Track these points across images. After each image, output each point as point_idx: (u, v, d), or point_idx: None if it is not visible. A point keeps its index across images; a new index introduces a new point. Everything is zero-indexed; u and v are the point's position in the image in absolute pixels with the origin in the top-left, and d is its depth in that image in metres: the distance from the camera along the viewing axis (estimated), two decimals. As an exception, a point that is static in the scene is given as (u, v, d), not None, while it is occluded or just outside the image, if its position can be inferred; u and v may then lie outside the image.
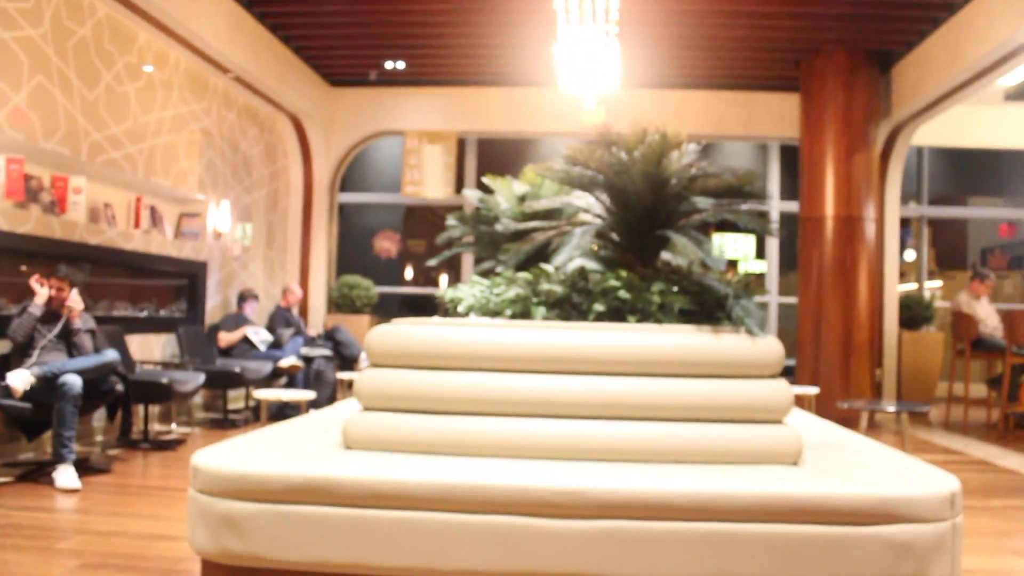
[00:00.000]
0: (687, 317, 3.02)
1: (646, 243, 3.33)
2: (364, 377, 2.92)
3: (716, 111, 10.83)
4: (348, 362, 9.58)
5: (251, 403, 9.12)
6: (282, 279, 10.95)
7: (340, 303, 11.03)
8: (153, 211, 8.04)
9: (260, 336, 8.94)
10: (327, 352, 9.26)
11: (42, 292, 5.73)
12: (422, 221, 13.36)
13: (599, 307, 3.04)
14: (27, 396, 5.35)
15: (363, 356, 9.60)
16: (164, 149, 8.12)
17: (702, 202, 3.29)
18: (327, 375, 9.05)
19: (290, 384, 8.81)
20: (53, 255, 6.39)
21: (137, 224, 7.74)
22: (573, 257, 3.34)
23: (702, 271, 3.34)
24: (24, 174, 6.19)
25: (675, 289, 3.08)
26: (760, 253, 11.21)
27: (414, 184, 11.19)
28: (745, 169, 3.29)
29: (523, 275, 3.34)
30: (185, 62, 8.45)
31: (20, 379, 5.31)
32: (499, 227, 4.19)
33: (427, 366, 2.89)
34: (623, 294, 3.04)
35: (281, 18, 9.09)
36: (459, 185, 11.16)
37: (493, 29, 9.06)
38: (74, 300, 5.81)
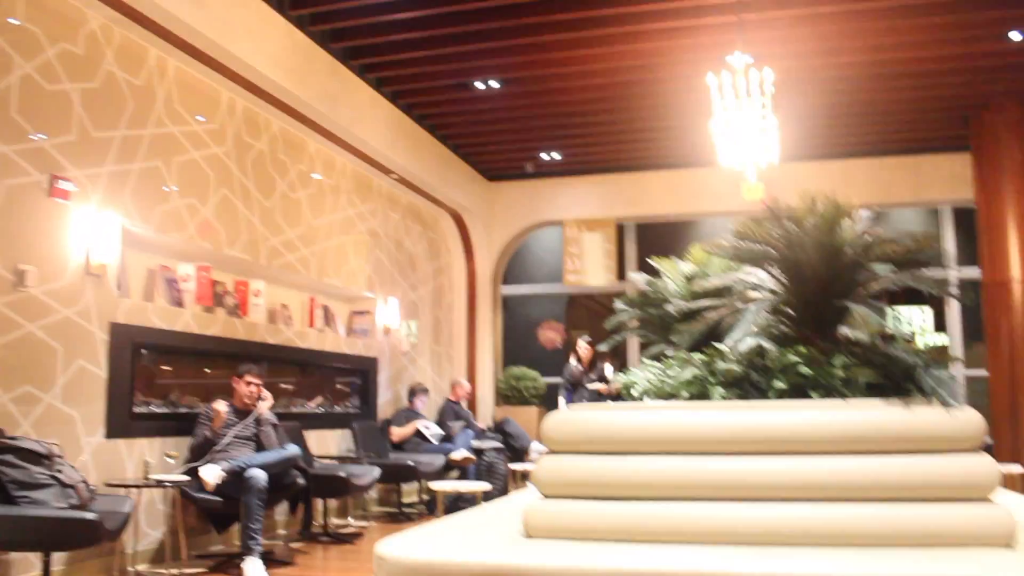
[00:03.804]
0: (874, 391, 2.88)
1: (824, 315, 3.21)
2: (543, 464, 2.89)
3: (882, 178, 10.44)
4: (518, 453, 9.60)
5: (424, 496, 9.22)
6: (450, 373, 11.14)
7: (508, 395, 11.10)
8: (326, 310, 8.38)
9: (431, 430, 9.07)
10: (497, 444, 9.30)
11: (221, 411, 6.01)
12: (584, 310, 13.38)
13: (780, 384, 2.94)
14: (216, 490, 5.63)
15: (533, 447, 9.61)
16: (334, 251, 8.48)
17: (881, 269, 3.16)
18: (498, 467, 9.07)
19: (462, 476, 8.87)
20: (237, 355, 6.73)
21: (311, 323, 8.09)
22: (748, 334, 3.25)
23: (886, 341, 3.19)
24: (211, 280, 6.63)
25: (859, 362, 2.95)
26: (939, 325, 10.63)
27: (576, 272, 11.27)
28: (923, 232, 3.15)
29: (698, 355, 3.27)
30: (351, 167, 8.87)
31: (212, 473, 5.59)
32: (669, 308, 4.13)
33: (606, 451, 2.85)
34: (804, 370, 2.93)
35: (439, 118, 9.45)
36: (620, 271, 11.15)
37: (646, 113, 9.12)
38: (267, 395, 6.17)
